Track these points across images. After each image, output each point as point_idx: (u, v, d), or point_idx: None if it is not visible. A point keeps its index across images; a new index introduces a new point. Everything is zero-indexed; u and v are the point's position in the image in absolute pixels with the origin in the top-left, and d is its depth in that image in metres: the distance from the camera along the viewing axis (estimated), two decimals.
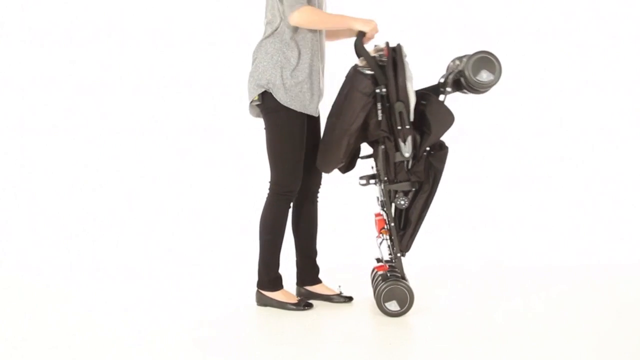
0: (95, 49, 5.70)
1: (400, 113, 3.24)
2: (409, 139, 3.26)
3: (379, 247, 3.51)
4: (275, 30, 3.31)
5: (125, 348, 2.99)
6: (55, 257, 4.39)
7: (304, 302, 3.45)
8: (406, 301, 3.24)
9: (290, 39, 3.30)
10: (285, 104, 3.29)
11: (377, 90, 3.24)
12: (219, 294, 3.70)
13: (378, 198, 3.54)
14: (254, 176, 4.21)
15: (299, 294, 3.58)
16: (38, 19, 5.69)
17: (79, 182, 5.57)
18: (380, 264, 3.49)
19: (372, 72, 3.26)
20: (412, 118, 3.26)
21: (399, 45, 3.29)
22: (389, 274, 3.31)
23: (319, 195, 3.60)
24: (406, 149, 3.27)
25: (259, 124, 3.48)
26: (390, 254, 3.44)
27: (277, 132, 3.34)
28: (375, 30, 3.32)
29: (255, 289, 3.49)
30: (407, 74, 3.26)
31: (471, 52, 3.29)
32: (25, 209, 5.35)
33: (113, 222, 5.10)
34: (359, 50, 3.29)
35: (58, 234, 4.87)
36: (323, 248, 3.64)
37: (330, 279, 3.66)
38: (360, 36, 3.29)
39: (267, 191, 3.43)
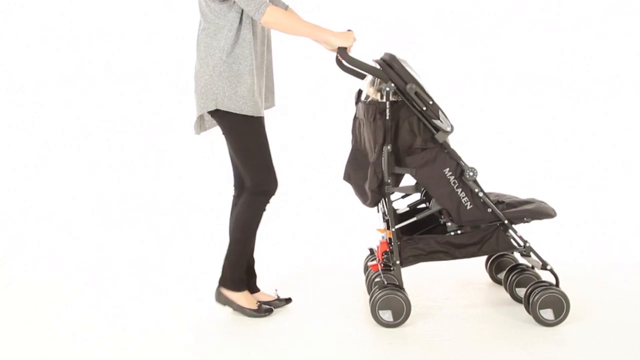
0: (94, 49, 5.70)
1: (417, 93, 3.08)
2: (440, 112, 3.10)
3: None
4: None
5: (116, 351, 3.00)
6: (53, 257, 4.38)
7: (264, 309, 3.35)
8: (402, 313, 3.13)
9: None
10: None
11: (387, 89, 3.09)
12: (206, 296, 3.62)
13: (378, 209, 3.46)
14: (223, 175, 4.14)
15: None
16: (37, 18, 5.68)
17: (78, 181, 5.56)
18: (374, 262, 3.40)
19: (374, 99, 3.15)
20: (429, 93, 3.12)
21: (385, 54, 3.22)
22: (386, 282, 3.21)
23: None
24: (445, 124, 3.11)
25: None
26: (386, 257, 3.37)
27: (245, 138, 3.21)
28: (354, 40, 3.18)
29: (217, 285, 3.38)
30: (399, 59, 3.14)
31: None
32: (24, 208, 5.34)
33: (106, 224, 5.09)
34: (350, 61, 3.14)
35: (56, 234, 4.86)
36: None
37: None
38: (344, 51, 3.15)
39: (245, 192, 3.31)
